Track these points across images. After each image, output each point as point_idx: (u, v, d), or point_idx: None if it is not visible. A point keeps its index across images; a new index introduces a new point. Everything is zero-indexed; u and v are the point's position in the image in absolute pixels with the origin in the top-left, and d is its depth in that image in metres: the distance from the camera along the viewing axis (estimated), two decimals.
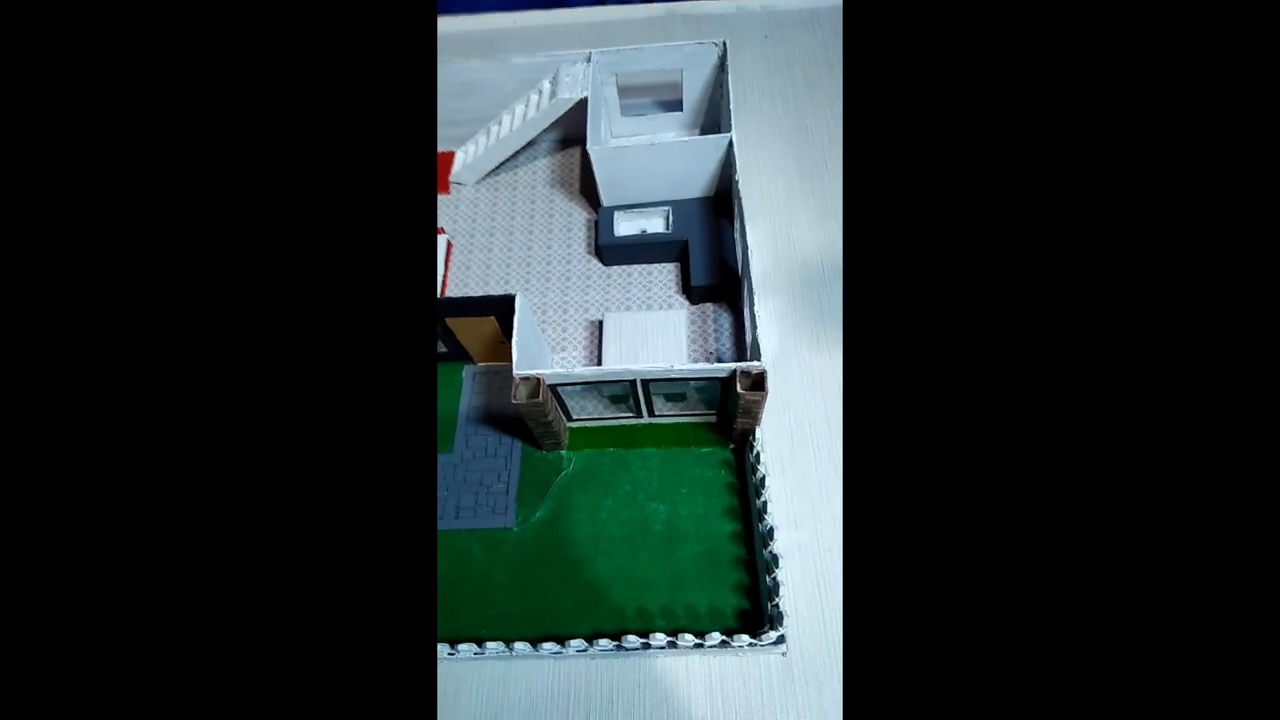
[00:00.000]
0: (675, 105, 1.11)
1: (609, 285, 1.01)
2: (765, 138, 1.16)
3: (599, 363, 0.92)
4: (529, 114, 1.03)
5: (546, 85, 1.03)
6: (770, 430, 0.87)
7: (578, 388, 0.79)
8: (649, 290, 1.00)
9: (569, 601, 0.78)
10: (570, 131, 1.12)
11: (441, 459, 0.88)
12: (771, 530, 0.74)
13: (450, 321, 0.85)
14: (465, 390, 0.93)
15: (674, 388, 0.80)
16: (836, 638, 0.75)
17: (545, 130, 1.06)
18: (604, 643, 0.70)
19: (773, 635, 0.68)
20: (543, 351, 0.86)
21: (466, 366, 0.95)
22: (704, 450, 0.87)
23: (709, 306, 0.97)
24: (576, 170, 1.13)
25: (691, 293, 0.96)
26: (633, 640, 0.69)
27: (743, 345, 0.93)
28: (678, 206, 1.01)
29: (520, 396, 0.74)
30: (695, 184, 1.00)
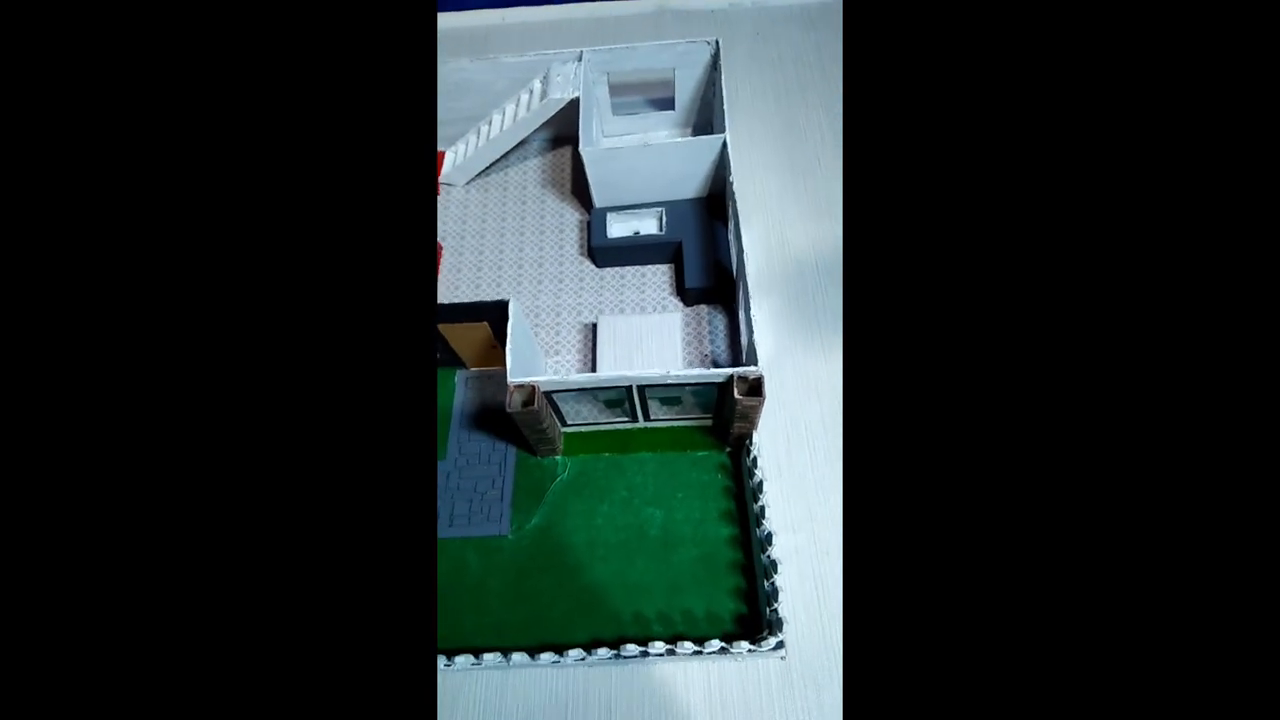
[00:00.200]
0: (667, 104, 1.10)
1: (602, 287, 1.00)
2: (757, 136, 1.15)
3: (593, 366, 0.91)
4: (520, 114, 1.02)
5: (537, 85, 1.02)
6: (766, 432, 0.87)
7: (572, 393, 0.78)
8: (643, 292, 0.99)
9: (565, 608, 0.78)
10: (562, 130, 1.11)
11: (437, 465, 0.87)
12: (770, 535, 0.74)
13: (443, 327, 0.83)
14: (458, 396, 0.92)
15: (669, 392, 0.79)
16: (835, 641, 0.75)
17: (536, 129, 1.05)
18: (602, 652, 0.69)
19: (772, 641, 0.68)
20: (536, 357, 0.85)
21: (459, 371, 0.94)
22: (700, 454, 0.86)
23: (703, 308, 0.97)
24: (568, 170, 1.12)
25: (686, 295, 0.96)
26: (631, 649, 0.68)
27: (738, 347, 0.93)
28: (671, 207, 1.00)
29: (515, 404, 0.73)
30: (689, 185, 0.99)
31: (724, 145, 0.92)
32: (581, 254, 1.03)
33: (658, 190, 0.99)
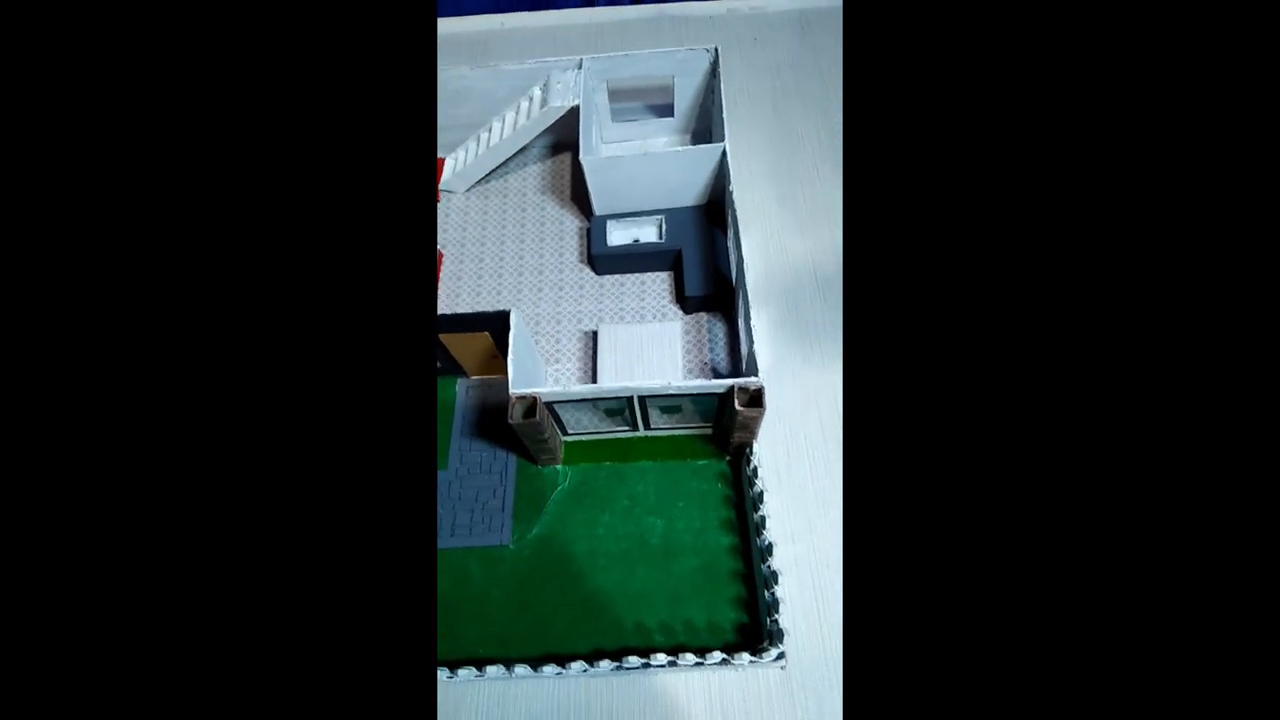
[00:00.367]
0: (667, 111, 1.10)
1: (602, 295, 1.00)
2: (756, 143, 1.15)
3: (593, 374, 0.92)
4: (520, 121, 1.02)
5: (537, 92, 1.02)
6: (765, 442, 0.87)
7: (573, 402, 0.79)
8: (642, 300, 0.99)
9: (567, 618, 0.78)
10: (561, 136, 1.11)
11: (437, 475, 0.87)
12: (770, 545, 0.74)
13: (444, 337, 0.84)
14: (459, 404, 0.92)
15: (670, 401, 0.79)
16: (834, 650, 0.76)
17: (536, 136, 1.05)
18: (605, 664, 0.70)
19: (773, 652, 0.69)
20: (538, 367, 0.85)
21: (460, 380, 0.94)
22: (700, 463, 0.86)
23: (703, 316, 0.97)
24: (567, 176, 1.12)
25: (685, 303, 0.96)
26: (634, 661, 0.69)
27: (737, 355, 0.93)
28: (670, 215, 1.00)
29: (516, 416, 0.73)
30: (688, 193, 0.99)
31: (723, 154, 0.93)
32: (581, 261, 1.03)
33: (657, 198, 1.00)
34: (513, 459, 0.88)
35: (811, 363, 0.94)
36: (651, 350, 0.91)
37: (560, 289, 1.01)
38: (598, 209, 1.01)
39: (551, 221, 1.08)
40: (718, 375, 0.92)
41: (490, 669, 0.71)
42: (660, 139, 1.13)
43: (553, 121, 1.00)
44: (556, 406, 0.79)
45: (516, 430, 0.76)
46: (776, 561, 0.74)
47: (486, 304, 1.01)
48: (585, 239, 1.05)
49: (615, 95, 1.07)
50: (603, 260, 0.99)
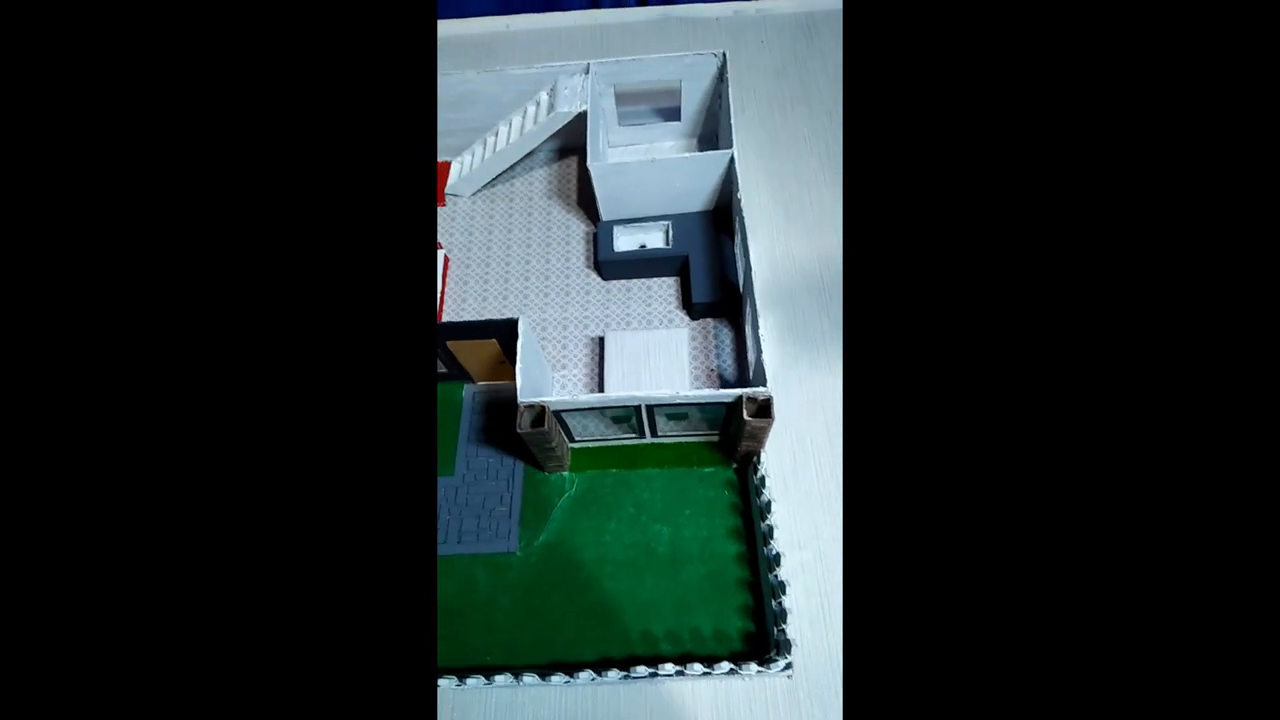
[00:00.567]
0: (673, 114, 1.10)
1: (609, 300, 1.00)
2: (763, 147, 1.15)
3: (600, 381, 0.92)
4: (527, 126, 1.02)
5: (544, 97, 1.02)
6: (772, 448, 0.87)
7: (580, 410, 0.79)
8: (649, 305, 0.99)
9: (574, 626, 0.78)
10: (568, 140, 1.11)
11: (443, 482, 0.87)
12: (778, 555, 0.74)
13: (452, 344, 0.84)
14: (465, 410, 0.92)
15: (677, 409, 0.79)
16: (841, 658, 0.76)
17: (543, 140, 1.05)
18: (613, 674, 0.70)
19: (781, 663, 0.69)
20: (545, 375, 0.85)
21: (466, 386, 0.94)
22: (707, 470, 0.87)
23: (709, 322, 0.97)
24: (574, 180, 1.12)
25: (692, 309, 0.96)
26: (641, 670, 0.69)
27: (744, 362, 0.93)
28: (677, 221, 1.00)
29: (524, 425, 0.73)
30: (695, 199, 0.99)
31: (731, 160, 0.92)
32: (588, 266, 1.03)
33: (664, 204, 0.99)
34: (519, 465, 0.88)
35: (818, 368, 0.94)
36: (658, 357, 0.91)
37: (567, 294, 1.01)
38: (605, 214, 1.01)
39: (558, 226, 1.08)
40: (724, 382, 0.92)
41: (499, 678, 0.71)
42: (666, 143, 1.13)
43: (560, 127, 1.00)
44: (564, 414, 0.79)
45: (524, 439, 0.76)
46: (783, 570, 0.74)
47: (493, 308, 1.01)
48: (591, 244, 1.05)
49: (622, 99, 1.07)
50: (609, 266, 0.99)
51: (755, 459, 0.83)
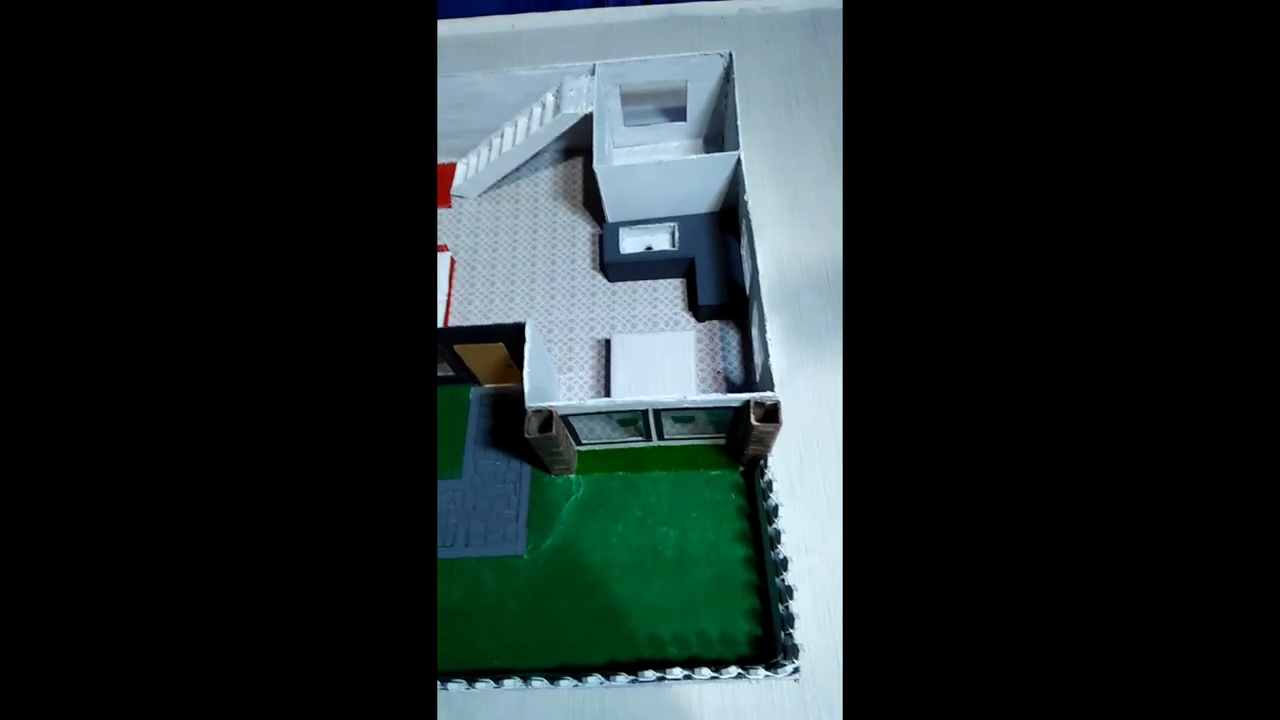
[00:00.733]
0: (679, 114, 1.10)
1: (614, 302, 1.00)
2: (769, 147, 1.15)
3: (607, 383, 0.92)
4: (533, 128, 1.02)
5: (550, 99, 1.02)
6: (778, 451, 0.87)
7: (588, 414, 0.79)
8: (655, 307, 0.99)
9: (582, 629, 0.79)
10: (573, 141, 1.11)
11: (451, 485, 0.87)
12: (785, 560, 0.74)
13: (459, 348, 0.84)
14: (472, 413, 0.92)
15: (683, 411, 0.79)
16: None
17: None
18: (621, 678, 0.70)
19: (789, 667, 0.69)
20: (553, 379, 0.85)
21: (473, 389, 0.94)
22: (714, 473, 0.87)
23: (715, 324, 0.97)
24: (579, 181, 1.12)
25: (698, 311, 0.96)
26: (649, 675, 0.69)
27: (750, 364, 0.93)
28: (684, 223, 1.00)
29: (533, 430, 0.74)
30: (702, 200, 0.99)
31: (738, 162, 0.92)
32: (593, 268, 1.03)
33: (670, 206, 0.99)
34: (526, 468, 0.88)
35: (825, 369, 0.94)
36: (665, 360, 0.91)
37: (572, 296, 1.01)
38: (611, 216, 1.01)
39: (563, 227, 1.08)
40: (731, 384, 0.92)
41: (507, 682, 0.71)
42: (672, 143, 1.13)
43: (566, 129, 0.99)
44: (571, 418, 0.79)
45: (532, 444, 0.76)
46: (791, 575, 0.74)
47: (499, 310, 1.01)
48: (597, 245, 1.04)
49: (627, 100, 1.06)
50: (615, 268, 0.99)
51: (762, 462, 0.83)
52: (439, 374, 0.91)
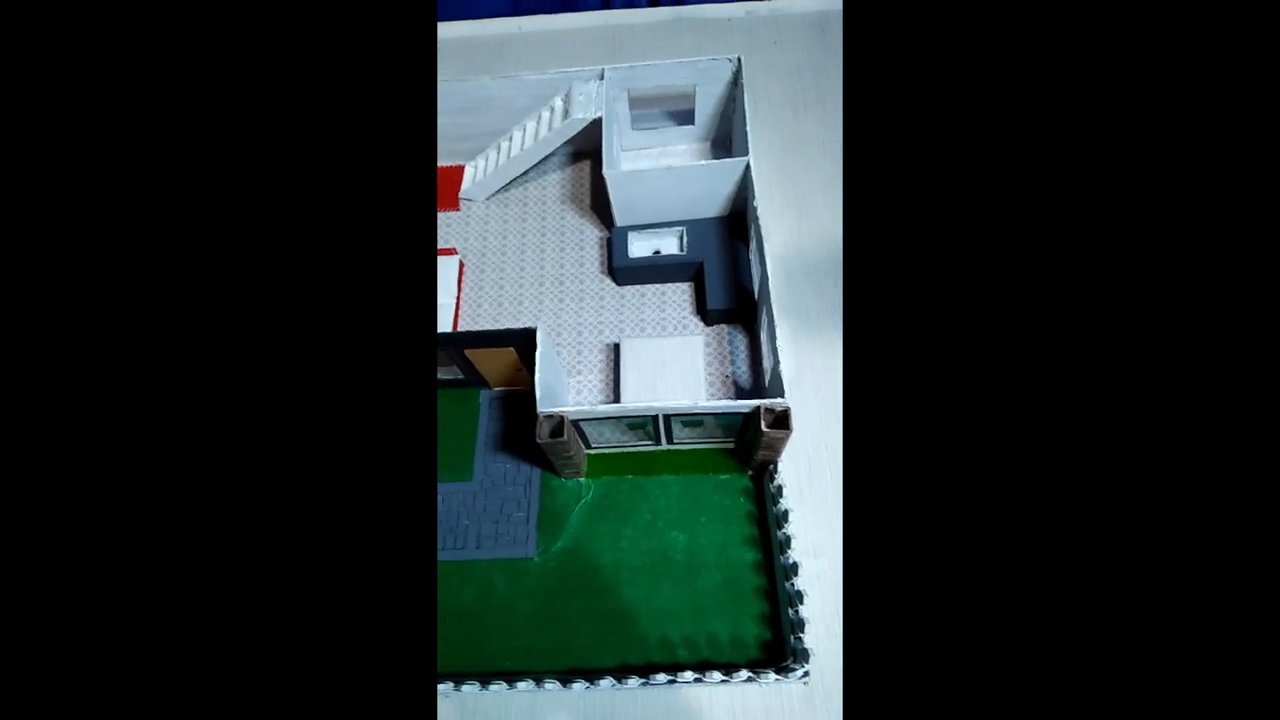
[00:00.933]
0: (687, 118, 1.10)
1: (623, 306, 1.00)
2: (776, 149, 1.15)
3: (616, 387, 0.92)
4: (541, 132, 1.02)
5: (559, 103, 1.02)
6: (787, 454, 0.87)
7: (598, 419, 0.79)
8: (663, 311, 1.00)
9: (592, 632, 0.79)
10: (582, 145, 1.11)
11: (462, 487, 0.88)
12: (795, 565, 0.75)
13: (468, 352, 0.84)
14: (482, 416, 0.93)
15: (693, 417, 0.80)
16: None
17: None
18: (633, 681, 0.71)
19: (799, 671, 0.69)
20: (563, 384, 0.86)
21: (483, 392, 0.94)
22: (723, 477, 0.87)
23: (724, 328, 0.97)
24: (587, 185, 1.12)
25: (707, 315, 0.96)
26: (661, 678, 0.70)
27: (759, 369, 0.93)
28: (692, 227, 1.00)
29: (544, 435, 0.74)
30: (710, 205, 0.99)
31: (747, 167, 0.92)
32: (602, 271, 1.04)
33: (679, 210, 1.00)
34: (536, 471, 0.89)
35: (833, 372, 0.95)
36: (674, 364, 0.91)
37: (581, 299, 1.01)
38: (619, 220, 1.01)
39: (572, 231, 1.08)
40: (740, 389, 0.92)
41: (521, 684, 0.72)
42: (680, 146, 1.13)
43: (575, 133, 1.00)
44: (581, 423, 0.79)
45: (544, 448, 0.77)
46: (800, 579, 0.75)
47: (507, 314, 1.01)
48: (605, 249, 1.05)
49: (635, 103, 1.07)
50: (624, 272, 1.00)
51: (772, 467, 0.83)
52: (450, 377, 0.91)
